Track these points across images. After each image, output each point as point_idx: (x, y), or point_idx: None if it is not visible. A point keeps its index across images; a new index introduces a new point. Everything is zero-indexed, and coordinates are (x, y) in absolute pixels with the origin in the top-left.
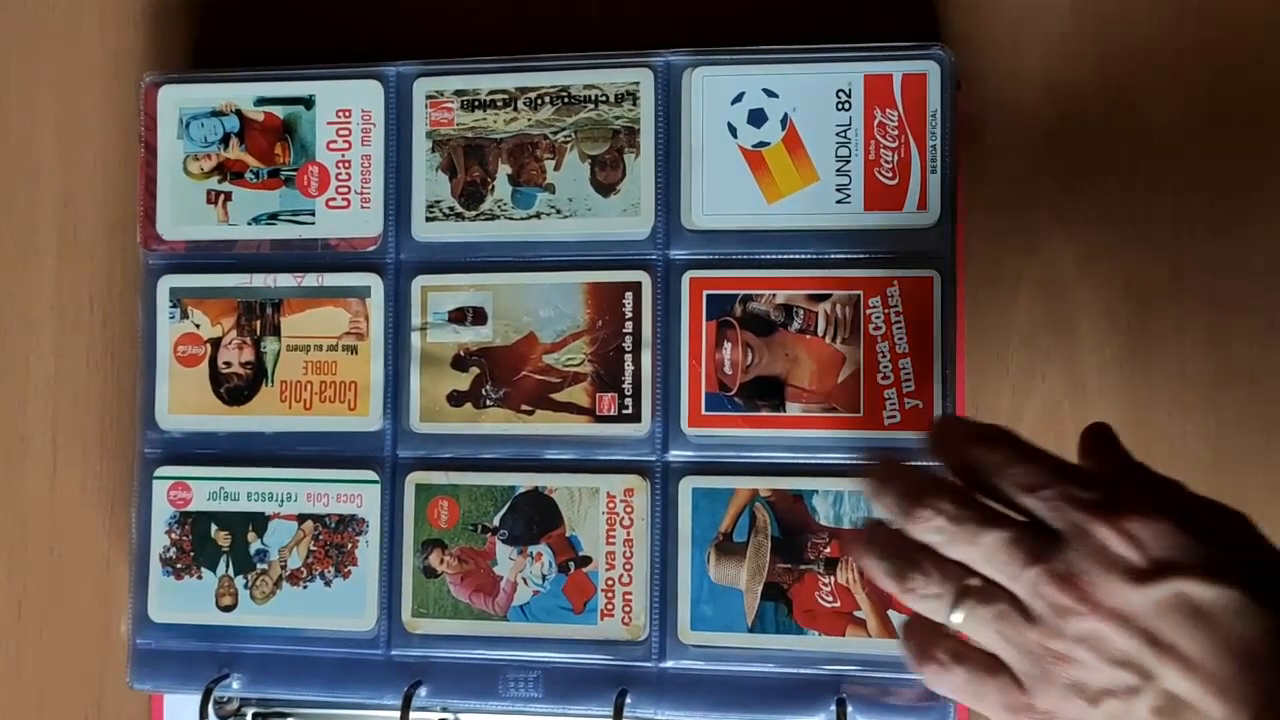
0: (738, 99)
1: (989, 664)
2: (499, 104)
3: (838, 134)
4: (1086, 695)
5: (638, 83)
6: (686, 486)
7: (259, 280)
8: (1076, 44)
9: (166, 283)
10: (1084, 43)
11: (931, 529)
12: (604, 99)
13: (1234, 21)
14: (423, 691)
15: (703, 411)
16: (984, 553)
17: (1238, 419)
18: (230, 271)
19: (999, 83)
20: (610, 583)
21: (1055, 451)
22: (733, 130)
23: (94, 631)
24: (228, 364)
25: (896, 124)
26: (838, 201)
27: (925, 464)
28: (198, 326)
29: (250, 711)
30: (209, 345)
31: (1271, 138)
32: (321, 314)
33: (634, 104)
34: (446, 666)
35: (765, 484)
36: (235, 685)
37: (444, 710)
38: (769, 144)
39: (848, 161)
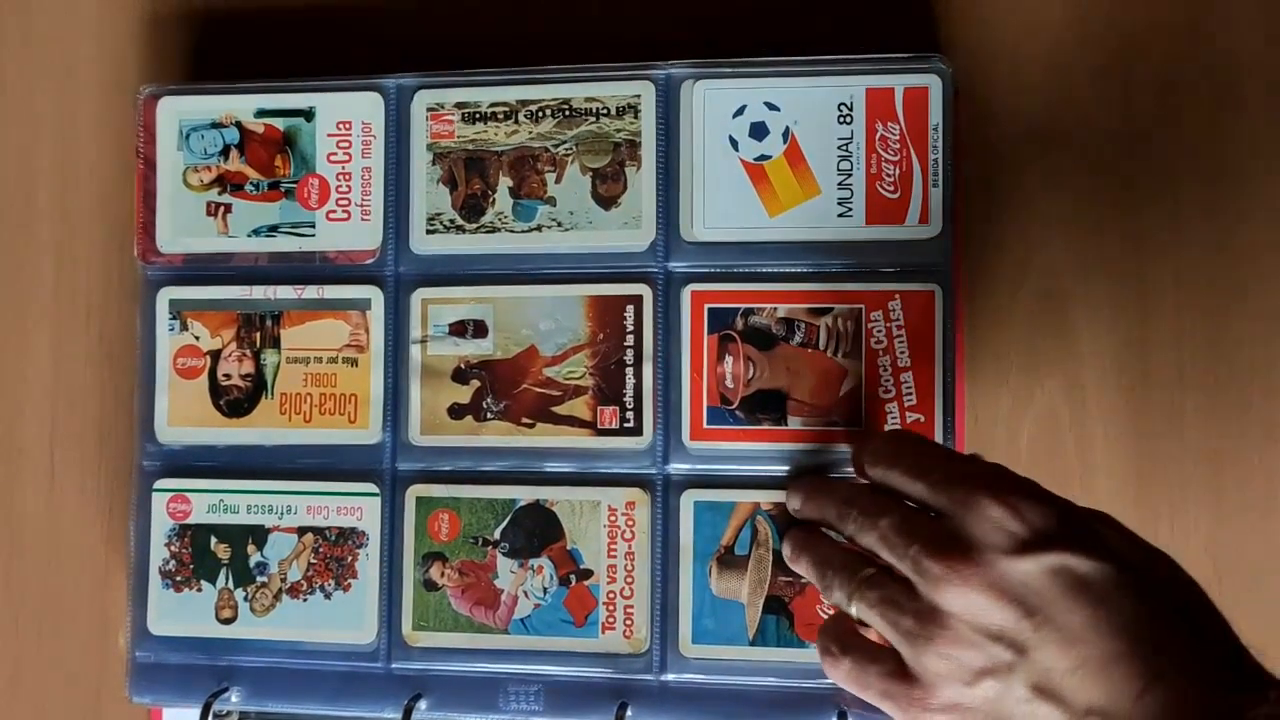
0: (739, 112)
1: (875, 653)
2: (500, 116)
3: (839, 147)
4: (963, 677)
5: (639, 95)
6: (688, 499)
7: (259, 292)
8: (1074, 53)
9: (166, 295)
10: (1082, 51)
11: (850, 522)
12: (605, 112)
13: (1233, 29)
14: (423, 705)
15: (704, 425)
16: (880, 536)
17: (1238, 424)
18: (230, 284)
19: (997, 92)
20: (611, 596)
21: (1053, 467)
22: (734, 143)
23: (92, 645)
24: (227, 376)
25: (898, 137)
26: (839, 215)
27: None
28: (197, 339)
29: None
30: (208, 357)
31: (1271, 142)
32: (321, 326)
33: (635, 117)
34: (447, 680)
35: (767, 497)
36: (234, 699)
37: None
38: (770, 157)
39: (849, 175)
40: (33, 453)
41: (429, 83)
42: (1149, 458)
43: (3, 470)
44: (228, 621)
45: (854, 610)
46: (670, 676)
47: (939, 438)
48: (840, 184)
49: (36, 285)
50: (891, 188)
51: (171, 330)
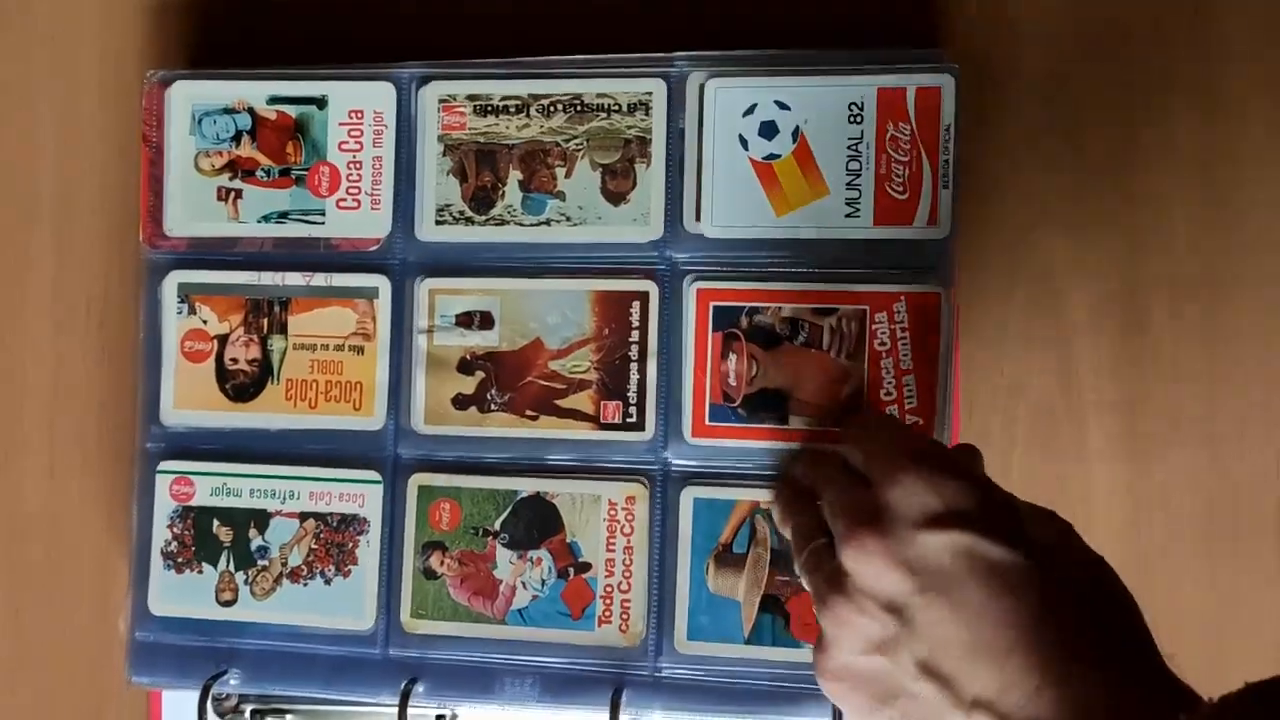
0: (749, 110)
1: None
2: (512, 110)
3: (849, 147)
4: (855, 644)
5: (650, 93)
6: (688, 496)
7: (268, 278)
8: (1072, 47)
9: (175, 278)
10: (1079, 46)
11: (822, 495)
12: (616, 108)
13: (1232, 23)
14: (419, 688)
15: (706, 422)
16: (827, 505)
17: (1234, 414)
18: (239, 269)
19: (995, 85)
20: (609, 590)
21: (1048, 456)
22: (744, 142)
23: (93, 629)
24: (234, 361)
25: (909, 138)
26: (847, 215)
27: None
28: (205, 322)
29: (248, 708)
30: (216, 341)
31: (1269, 140)
32: (329, 314)
33: (646, 114)
34: (443, 668)
35: (767, 496)
36: (233, 682)
37: (441, 707)
38: (779, 156)
39: (858, 175)
40: (33, 440)
41: (441, 74)
42: (1145, 450)
43: (4, 457)
44: (228, 604)
45: (802, 579)
46: (665, 671)
47: (936, 436)
48: (849, 184)
49: (37, 274)
50: (900, 188)
51: (180, 313)
